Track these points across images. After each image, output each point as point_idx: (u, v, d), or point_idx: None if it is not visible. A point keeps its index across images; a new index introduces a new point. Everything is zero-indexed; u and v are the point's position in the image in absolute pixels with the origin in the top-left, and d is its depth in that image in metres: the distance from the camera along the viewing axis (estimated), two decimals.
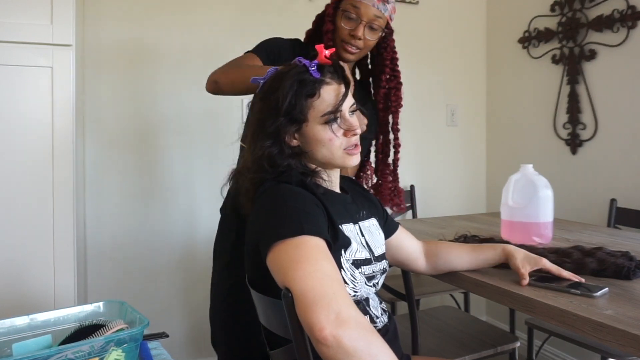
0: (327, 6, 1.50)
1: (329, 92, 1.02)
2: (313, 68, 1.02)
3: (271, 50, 1.47)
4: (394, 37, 1.59)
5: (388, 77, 1.53)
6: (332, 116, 1.01)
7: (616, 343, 0.86)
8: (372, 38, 1.45)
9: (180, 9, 2.22)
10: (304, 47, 1.51)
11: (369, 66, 1.62)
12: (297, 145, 1.04)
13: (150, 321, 0.98)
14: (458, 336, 1.74)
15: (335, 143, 1.03)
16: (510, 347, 1.66)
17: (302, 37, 1.69)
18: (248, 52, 1.48)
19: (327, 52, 1.05)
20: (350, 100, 1.05)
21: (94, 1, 2.09)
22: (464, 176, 2.86)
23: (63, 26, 1.56)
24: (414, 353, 1.55)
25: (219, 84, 1.40)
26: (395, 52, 1.55)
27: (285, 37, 1.53)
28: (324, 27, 1.46)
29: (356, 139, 1.06)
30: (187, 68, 2.24)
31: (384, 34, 1.50)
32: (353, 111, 1.07)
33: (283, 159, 1.02)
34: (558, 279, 1.11)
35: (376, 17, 1.43)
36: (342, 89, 1.04)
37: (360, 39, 1.43)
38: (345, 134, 1.04)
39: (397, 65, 1.55)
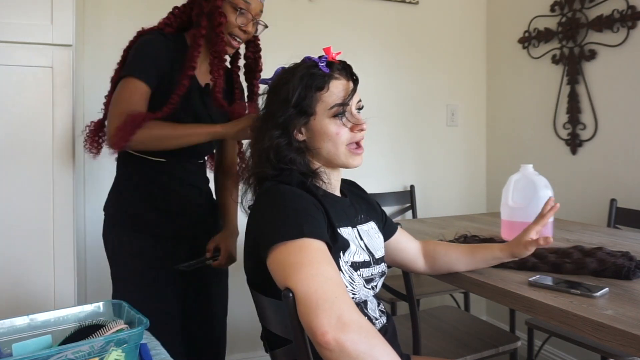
0: None
1: (338, 87, 1.04)
2: (322, 64, 1.04)
3: (159, 64, 1.35)
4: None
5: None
6: (340, 109, 1.03)
7: (616, 343, 0.86)
8: (255, 32, 1.44)
9: None
10: (177, 41, 1.41)
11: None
12: (303, 140, 1.05)
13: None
14: (459, 336, 1.74)
15: (342, 137, 1.04)
16: (511, 346, 1.66)
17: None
18: (127, 76, 1.32)
19: (334, 54, 1.07)
20: (357, 98, 1.07)
21: (94, 1, 2.09)
22: (464, 176, 2.86)
23: (63, 26, 1.56)
24: (415, 353, 1.54)
25: (145, 144, 1.31)
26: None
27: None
28: (215, 20, 1.34)
29: (362, 136, 1.06)
30: None
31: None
32: (359, 108, 1.08)
33: (290, 151, 1.03)
34: (558, 279, 1.11)
35: (261, 12, 1.42)
36: (351, 85, 1.06)
37: (249, 34, 1.41)
38: (352, 129, 1.05)
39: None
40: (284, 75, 1.07)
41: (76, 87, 1.67)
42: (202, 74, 1.43)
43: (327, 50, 1.07)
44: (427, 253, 1.27)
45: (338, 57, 1.09)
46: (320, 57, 1.07)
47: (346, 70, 1.06)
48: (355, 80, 1.07)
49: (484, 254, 1.21)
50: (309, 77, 1.02)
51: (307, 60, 1.07)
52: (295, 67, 1.06)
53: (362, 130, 1.06)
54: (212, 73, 1.38)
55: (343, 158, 1.05)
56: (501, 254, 1.19)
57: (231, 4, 1.36)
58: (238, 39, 1.41)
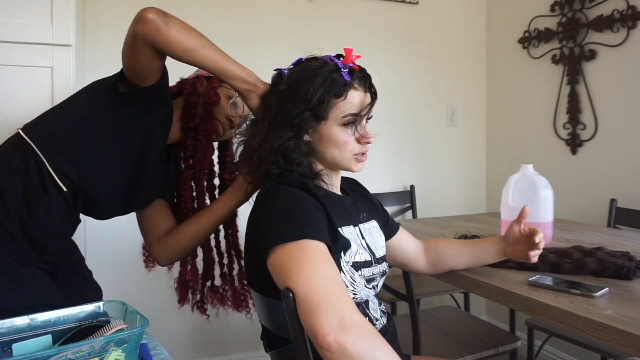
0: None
1: (355, 97, 1.03)
2: (345, 70, 1.03)
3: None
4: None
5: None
6: (352, 119, 1.03)
7: (616, 343, 0.86)
8: (235, 128, 1.31)
9: (180, 11, 2.22)
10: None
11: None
12: (308, 141, 1.05)
13: (150, 321, 0.98)
14: (459, 336, 1.74)
15: (349, 147, 1.04)
16: (511, 347, 1.66)
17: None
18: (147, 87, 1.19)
19: (354, 57, 1.05)
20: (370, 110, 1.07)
21: (94, 1, 2.09)
22: (464, 176, 2.86)
23: (63, 26, 1.56)
24: (415, 353, 1.55)
25: (169, 27, 1.10)
26: None
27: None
28: (210, 97, 1.26)
29: (367, 147, 1.07)
30: (187, 68, 2.23)
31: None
32: (368, 118, 1.08)
33: (298, 154, 1.03)
34: (558, 279, 1.11)
35: (247, 116, 1.26)
36: (368, 98, 1.06)
37: (232, 127, 1.30)
38: (359, 140, 1.05)
39: None
40: (305, 73, 1.04)
41: (76, 87, 1.67)
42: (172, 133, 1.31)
43: (347, 51, 1.05)
44: (429, 250, 1.27)
45: (357, 61, 1.07)
46: (339, 57, 1.05)
47: (365, 81, 1.06)
48: (373, 93, 1.07)
49: (484, 245, 1.22)
50: (330, 82, 1.01)
51: (329, 61, 1.04)
52: (317, 67, 1.03)
53: (368, 142, 1.06)
54: (196, 154, 1.29)
55: (346, 163, 1.06)
56: (495, 241, 1.21)
57: (225, 93, 1.28)
58: (221, 130, 1.29)
